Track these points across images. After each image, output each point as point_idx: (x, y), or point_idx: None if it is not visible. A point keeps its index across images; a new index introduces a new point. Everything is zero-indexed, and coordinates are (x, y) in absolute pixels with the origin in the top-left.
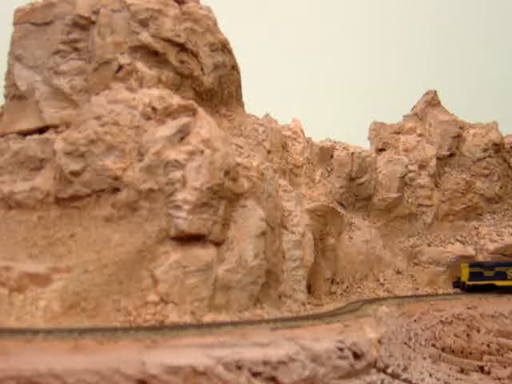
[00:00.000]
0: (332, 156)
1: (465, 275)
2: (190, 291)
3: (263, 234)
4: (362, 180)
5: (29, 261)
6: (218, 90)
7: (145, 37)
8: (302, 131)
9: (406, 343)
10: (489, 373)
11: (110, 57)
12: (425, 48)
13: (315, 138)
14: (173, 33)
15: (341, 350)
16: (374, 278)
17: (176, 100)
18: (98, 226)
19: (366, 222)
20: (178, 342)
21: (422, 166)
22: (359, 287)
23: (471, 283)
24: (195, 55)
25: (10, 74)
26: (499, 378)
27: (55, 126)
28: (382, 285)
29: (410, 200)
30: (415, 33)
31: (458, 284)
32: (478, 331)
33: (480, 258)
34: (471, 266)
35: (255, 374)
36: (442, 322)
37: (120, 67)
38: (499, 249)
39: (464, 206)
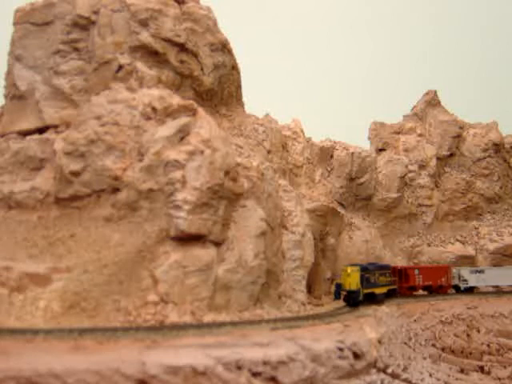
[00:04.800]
0: (332, 156)
1: (354, 281)
2: (190, 291)
3: (263, 234)
4: (362, 180)
5: (29, 261)
6: (218, 90)
7: (145, 37)
8: (302, 131)
9: (405, 343)
10: (489, 373)
11: (110, 57)
12: (425, 48)
13: (315, 138)
14: (173, 33)
15: (341, 350)
16: None
17: (176, 100)
18: (98, 226)
19: (366, 222)
20: (178, 342)
21: (421, 166)
22: None
23: (366, 291)
24: (195, 55)
25: (9, 74)
26: (499, 378)
27: (55, 126)
28: None
29: (409, 200)
30: (415, 33)
31: (342, 294)
32: (478, 331)
33: (480, 258)
34: (363, 269)
35: (255, 374)
36: (441, 322)
37: (120, 67)
38: (499, 249)
39: (464, 205)
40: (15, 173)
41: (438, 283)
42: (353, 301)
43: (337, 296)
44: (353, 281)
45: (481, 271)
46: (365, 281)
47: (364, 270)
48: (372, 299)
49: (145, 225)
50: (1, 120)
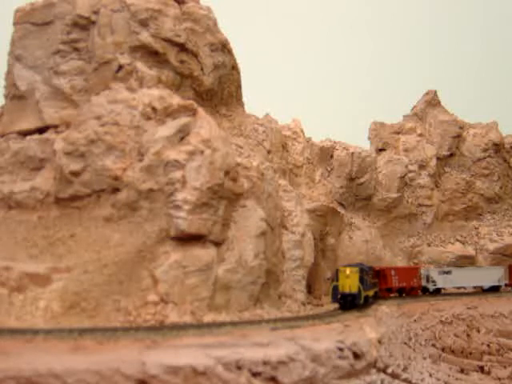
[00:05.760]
0: (332, 156)
1: (354, 283)
2: (190, 291)
3: (263, 234)
4: (362, 180)
5: (29, 261)
6: (218, 90)
7: (145, 37)
8: (302, 131)
9: (405, 343)
10: (489, 373)
11: (110, 57)
12: (425, 48)
13: (315, 138)
14: (173, 33)
15: (341, 350)
16: None
17: (176, 100)
18: (98, 226)
19: (366, 222)
20: (178, 342)
21: (421, 166)
22: None
23: (365, 294)
24: (195, 55)
25: (9, 74)
26: (499, 378)
27: (55, 126)
28: None
29: (409, 200)
30: (415, 33)
31: (340, 297)
32: (478, 331)
33: (480, 258)
34: (362, 270)
35: (255, 374)
36: (441, 322)
37: (120, 67)
38: (499, 249)
39: (464, 205)
40: (15, 173)
41: (410, 284)
42: (353, 305)
43: (335, 299)
44: (353, 283)
45: (448, 272)
46: (364, 282)
47: (362, 270)
48: (365, 302)
49: (145, 225)
50: (1, 120)
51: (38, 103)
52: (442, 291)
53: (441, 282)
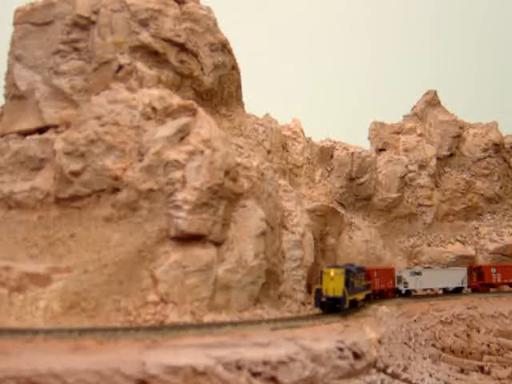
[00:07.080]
0: (332, 156)
1: (339, 286)
2: (190, 291)
3: (263, 233)
4: (362, 180)
5: (29, 261)
6: (218, 90)
7: (145, 37)
8: (302, 131)
9: (405, 343)
10: (489, 373)
11: (110, 57)
12: (425, 48)
13: (315, 138)
14: (173, 33)
15: (341, 350)
16: None
17: (176, 100)
18: (98, 226)
19: (366, 222)
20: (178, 342)
21: (421, 166)
22: None
23: (351, 297)
24: (195, 55)
25: (9, 74)
26: (499, 378)
27: (55, 126)
28: None
29: (409, 200)
30: (415, 33)
31: (324, 300)
32: (478, 331)
33: (480, 258)
34: (348, 271)
35: (255, 374)
36: (441, 322)
37: (120, 67)
38: (499, 249)
39: (464, 206)
40: (15, 173)
41: (388, 286)
42: (334, 309)
43: (317, 304)
44: (337, 286)
45: (418, 273)
46: (350, 285)
47: (348, 272)
48: (353, 306)
49: (145, 225)
50: (1, 120)
51: (38, 103)
52: (413, 293)
53: (412, 283)
